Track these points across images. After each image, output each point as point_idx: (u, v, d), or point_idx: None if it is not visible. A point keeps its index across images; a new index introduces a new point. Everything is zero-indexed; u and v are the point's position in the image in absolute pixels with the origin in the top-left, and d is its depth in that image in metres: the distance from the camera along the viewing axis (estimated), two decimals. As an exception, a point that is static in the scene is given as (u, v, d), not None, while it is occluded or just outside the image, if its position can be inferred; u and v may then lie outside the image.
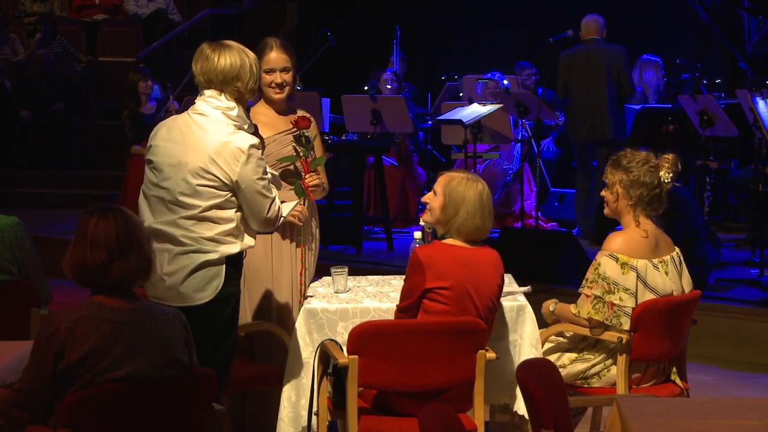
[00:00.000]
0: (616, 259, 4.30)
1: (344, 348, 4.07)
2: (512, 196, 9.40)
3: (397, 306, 4.16)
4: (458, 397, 4.04)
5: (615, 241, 4.35)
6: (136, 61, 11.94)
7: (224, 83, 3.97)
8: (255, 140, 3.98)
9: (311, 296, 4.50)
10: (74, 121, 11.89)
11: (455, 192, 4.11)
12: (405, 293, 4.10)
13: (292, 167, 4.65)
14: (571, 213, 9.17)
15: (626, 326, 4.28)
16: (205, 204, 3.92)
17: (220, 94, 3.98)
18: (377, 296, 4.49)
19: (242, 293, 4.29)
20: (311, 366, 4.22)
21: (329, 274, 4.62)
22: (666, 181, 4.37)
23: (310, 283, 4.75)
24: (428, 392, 3.99)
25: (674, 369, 4.48)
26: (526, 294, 4.56)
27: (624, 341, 4.27)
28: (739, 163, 8.99)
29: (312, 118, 4.75)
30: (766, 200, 7.33)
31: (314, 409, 4.19)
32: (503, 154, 9.44)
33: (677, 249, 4.48)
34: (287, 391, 4.34)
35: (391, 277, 4.90)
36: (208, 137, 3.93)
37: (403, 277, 4.17)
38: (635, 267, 4.29)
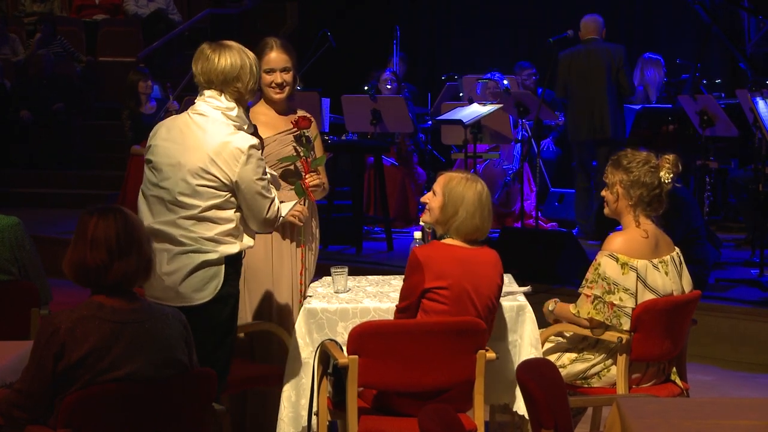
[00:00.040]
0: (616, 259, 4.30)
1: (344, 348, 4.07)
2: (512, 196, 9.40)
3: (396, 306, 4.15)
4: (458, 397, 4.04)
5: (615, 241, 4.35)
6: (136, 61, 11.94)
7: (224, 83, 3.97)
8: (255, 141, 3.98)
9: (311, 296, 4.50)
10: (74, 121, 11.89)
11: (454, 192, 4.11)
12: (404, 293, 4.10)
13: (292, 167, 4.65)
14: (571, 213, 9.17)
15: (626, 326, 4.28)
16: (204, 204, 3.92)
17: (220, 95, 3.98)
18: (377, 296, 4.49)
19: (242, 293, 4.29)
20: (311, 366, 4.22)
21: (329, 274, 4.61)
22: (666, 181, 4.37)
23: (310, 283, 4.75)
24: (428, 392, 3.99)
25: (674, 369, 4.48)
26: (526, 294, 4.55)
27: (624, 341, 4.27)
28: (739, 163, 8.99)
29: (312, 118, 4.75)
30: (766, 200, 7.32)
31: (314, 409, 4.18)
32: (503, 154, 9.43)
33: (677, 249, 4.48)
34: (287, 391, 4.33)
35: (391, 277, 4.90)
36: (208, 137, 3.93)
37: (403, 277, 4.18)
38: (635, 267, 4.29)
